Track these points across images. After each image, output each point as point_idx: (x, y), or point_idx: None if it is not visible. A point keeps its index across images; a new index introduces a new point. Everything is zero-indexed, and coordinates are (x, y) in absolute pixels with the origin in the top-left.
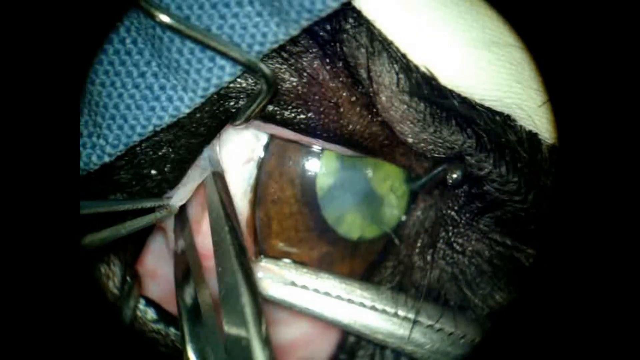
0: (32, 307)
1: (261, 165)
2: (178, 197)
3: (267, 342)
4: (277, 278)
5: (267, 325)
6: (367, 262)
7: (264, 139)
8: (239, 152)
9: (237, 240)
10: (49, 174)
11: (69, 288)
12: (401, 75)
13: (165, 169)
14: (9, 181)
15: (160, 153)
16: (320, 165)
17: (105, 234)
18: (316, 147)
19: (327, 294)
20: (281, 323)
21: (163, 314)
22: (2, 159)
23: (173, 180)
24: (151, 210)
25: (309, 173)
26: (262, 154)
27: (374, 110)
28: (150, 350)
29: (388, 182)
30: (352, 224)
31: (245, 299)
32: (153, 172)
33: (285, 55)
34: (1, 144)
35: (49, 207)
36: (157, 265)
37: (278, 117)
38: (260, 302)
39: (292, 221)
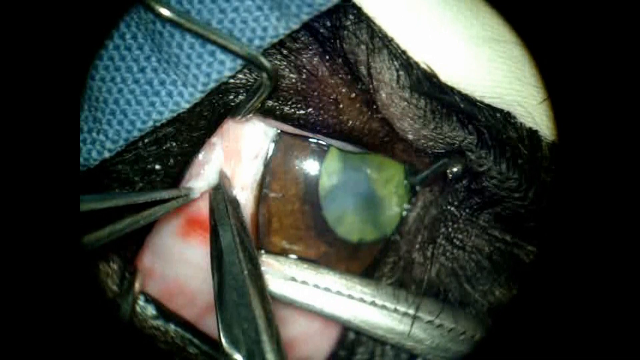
0: (30, 302)
1: (267, 161)
2: (197, 187)
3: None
4: (277, 273)
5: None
6: (366, 264)
7: (271, 135)
8: (247, 148)
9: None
10: (48, 169)
11: (68, 284)
12: (401, 72)
13: (169, 163)
14: (9, 177)
15: (163, 147)
16: (325, 164)
17: (123, 224)
18: (321, 146)
19: (327, 289)
20: (280, 321)
21: (163, 311)
22: (1, 155)
23: (177, 174)
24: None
25: (313, 172)
26: (269, 151)
27: (374, 107)
28: (150, 347)
29: (391, 184)
30: (351, 226)
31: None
32: (157, 167)
33: (285, 52)
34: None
35: (47, 203)
36: (154, 263)
37: (277, 112)
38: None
39: (292, 219)
